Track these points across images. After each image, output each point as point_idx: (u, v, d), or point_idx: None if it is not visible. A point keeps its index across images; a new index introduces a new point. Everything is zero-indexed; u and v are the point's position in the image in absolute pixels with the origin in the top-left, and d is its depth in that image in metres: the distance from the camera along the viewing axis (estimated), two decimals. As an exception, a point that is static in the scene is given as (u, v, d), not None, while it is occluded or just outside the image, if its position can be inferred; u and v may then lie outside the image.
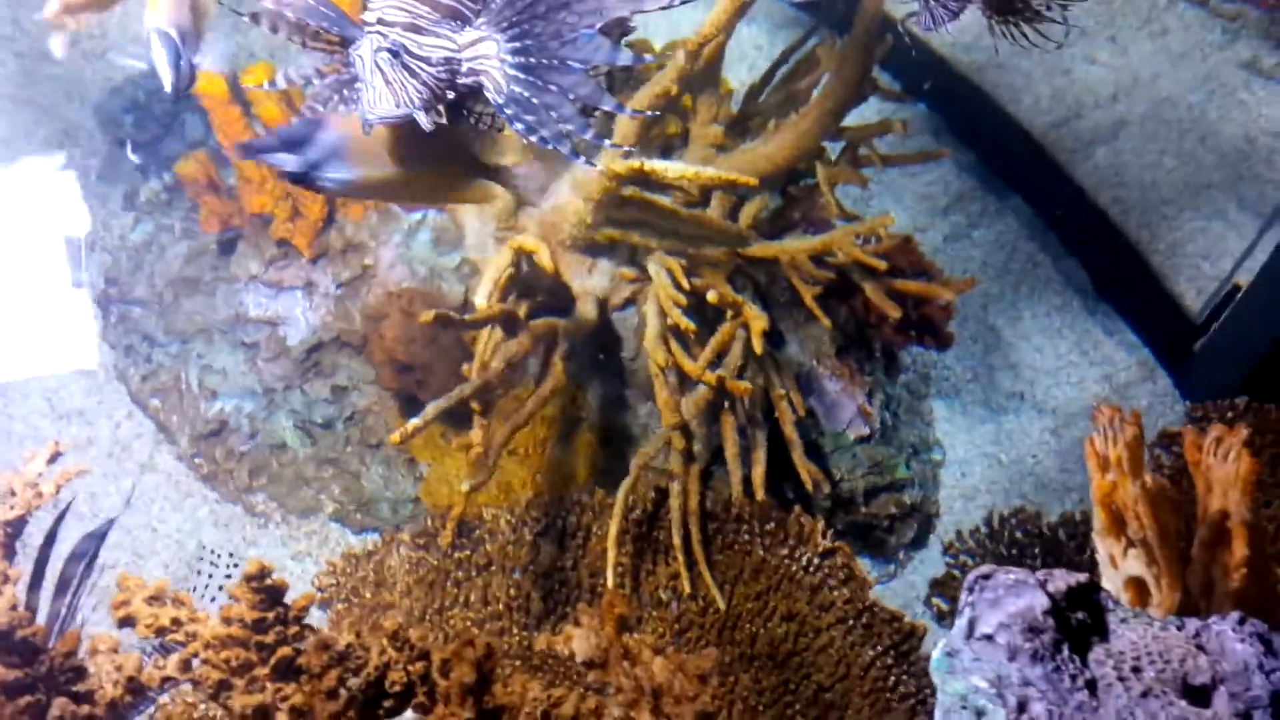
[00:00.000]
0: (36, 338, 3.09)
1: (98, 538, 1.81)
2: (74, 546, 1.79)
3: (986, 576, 1.34)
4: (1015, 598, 1.31)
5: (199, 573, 2.12)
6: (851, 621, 2.69)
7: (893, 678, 2.64)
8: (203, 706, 1.88)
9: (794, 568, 2.73)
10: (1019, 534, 2.72)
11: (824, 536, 2.74)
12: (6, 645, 1.48)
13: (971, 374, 3.07)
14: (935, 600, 2.84)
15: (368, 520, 3.25)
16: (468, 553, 2.89)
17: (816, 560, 2.73)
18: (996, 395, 3.02)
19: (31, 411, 3.02)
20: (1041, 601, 1.30)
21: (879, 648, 2.66)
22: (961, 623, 1.33)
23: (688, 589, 2.74)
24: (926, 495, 3.00)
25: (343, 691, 1.53)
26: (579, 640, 1.54)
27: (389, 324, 2.87)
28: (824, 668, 2.68)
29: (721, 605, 2.72)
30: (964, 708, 1.24)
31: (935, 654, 1.34)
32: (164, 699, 1.73)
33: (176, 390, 3.01)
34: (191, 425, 3.01)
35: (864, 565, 2.77)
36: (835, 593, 2.71)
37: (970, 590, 1.35)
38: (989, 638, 1.30)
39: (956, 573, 2.84)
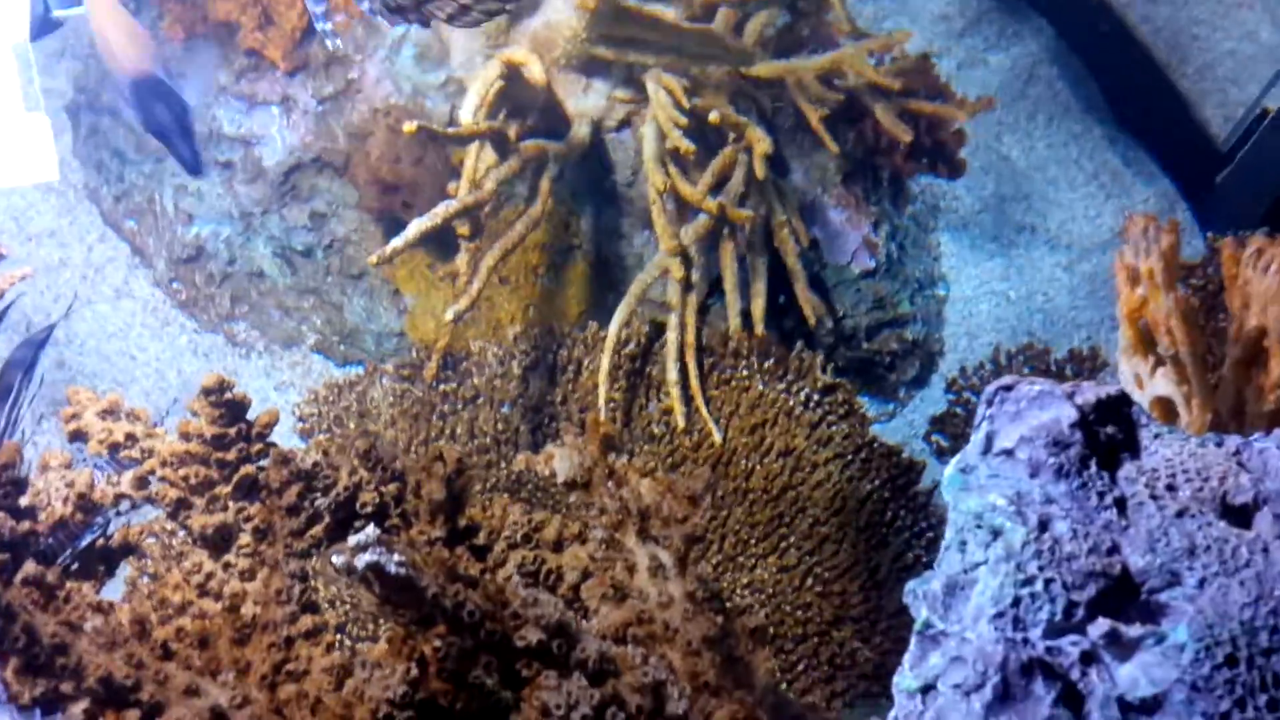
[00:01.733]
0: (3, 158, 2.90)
1: (36, 345, 1.66)
2: (10, 354, 1.64)
3: (1008, 387, 1.19)
4: (1039, 410, 1.16)
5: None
6: (850, 457, 2.57)
7: (889, 512, 2.53)
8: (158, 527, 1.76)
9: (792, 403, 2.60)
10: (1026, 370, 2.58)
11: (824, 372, 2.60)
12: (-63, 453, 1.34)
13: (981, 206, 2.89)
14: (935, 437, 2.72)
15: (351, 353, 3.11)
16: (454, 385, 2.76)
17: (816, 396, 2.59)
18: (1007, 228, 2.85)
19: None
20: (1068, 414, 1.15)
21: (876, 482, 2.55)
22: (978, 437, 1.19)
23: (682, 425, 2.61)
24: (930, 332, 2.85)
25: (305, 508, 1.39)
26: (561, 460, 1.40)
27: (374, 142, 2.68)
28: (820, 502, 2.57)
29: (717, 440, 2.60)
30: (979, 527, 1.10)
31: (948, 470, 1.20)
32: (119, 519, 1.61)
33: (151, 212, 2.84)
34: (168, 249, 2.84)
35: (864, 403, 2.63)
36: (834, 428, 2.58)
37: (989, 403, 1.21)
38: (1009, 453, 1.15)
39: (958, 410, 2.71)
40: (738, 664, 1.39)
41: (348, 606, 2.18)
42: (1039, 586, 1.06)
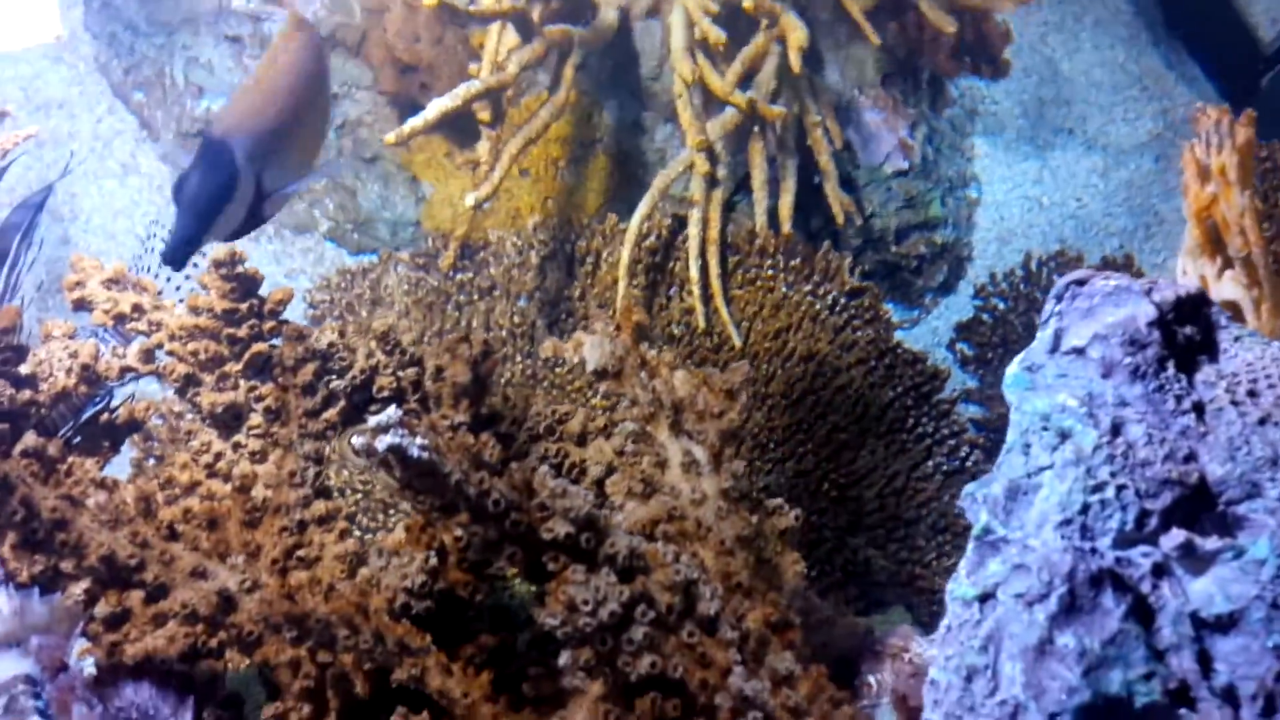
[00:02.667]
0: (7, 21, 2.76)
1: (34, 207, 1.56)
2: (7, 217, 1.54)
3: (1080, 282, 1.10)
4: (1114, 306, 1.07)
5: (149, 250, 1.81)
6: (873, 363, 2.48)
7: (911, 419, 2.45)
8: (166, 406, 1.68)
9: (818, 307, 2.50)
10: (1056, 278, 2.47)
11: (852, 274, 2.50)
12: (-69, 316, 1.25)
13: (1021, 109, 2.75)
14: (960, 346, 2.63)
15: (365, 241, 3.00)
16: (470, 275, 2.66)
17: (843, 300, 2.50)
18: (1044, 132, 2.72)
19: (5, 102, 2.72)
20: (1146, 311, 1.06)
21: (899, 389, 2.46)
22: (1045, 335, 1.10)
23: (702, 325, 2.51)
24: (960, 237, 2.74)
25: (320, 388, 1.31)
26: (591, 347, 1.31)
27: (391, 19, 2.54)
28: (840, 408, 2.49)
29: (737, 342, 2.50)
30: (1045, 429, 1.01)
31: (1011, 369, 1.11)
32: (123, 393, 1.52)
33: (160, 85, 2.71)
34: (177, 123, 2.72)
35: (889, 310, 2.54)
36: (859, 334, 2.49)
37: (1059, 298, 1.11)
38: (1079, 351, 1.06)
39: (985, 317, 2.61)
40: (767, 566, 1.31)
41: (359, 495, 2.11)
42: (1110, 493, 0.97)
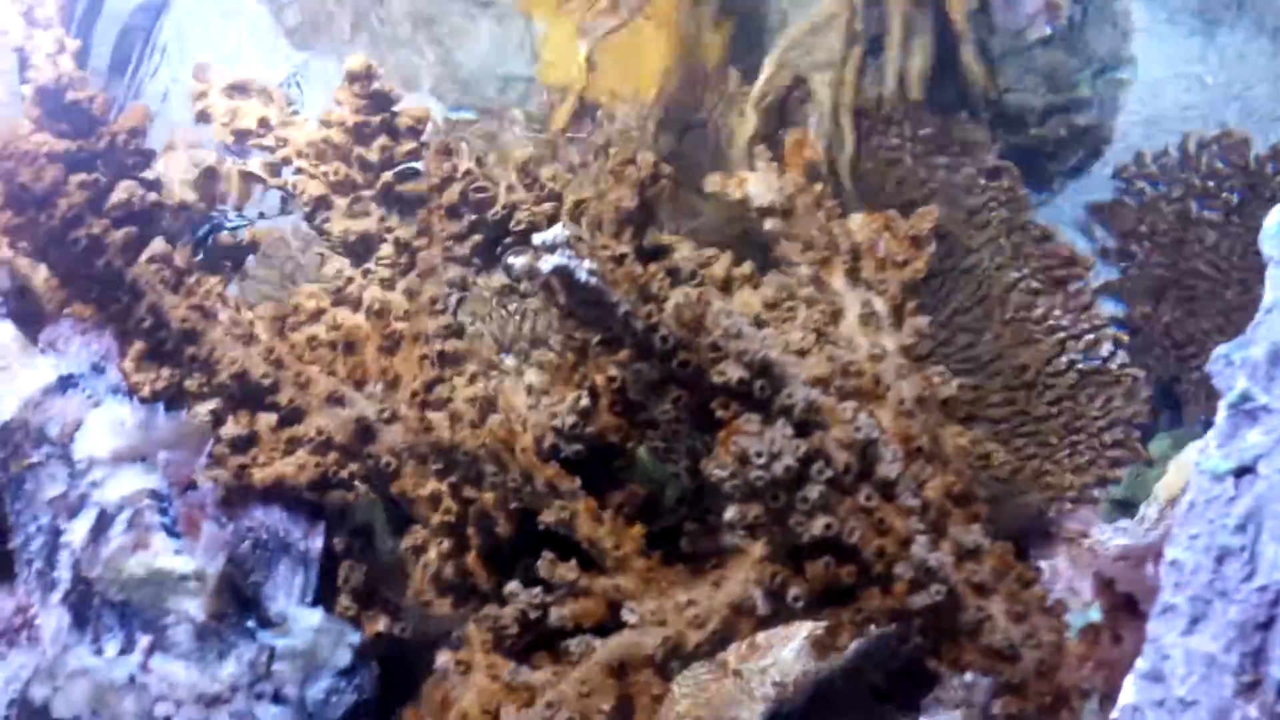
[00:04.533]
0: None
1: (156, 10, 1.43)
2: (128, 19, 1.41)
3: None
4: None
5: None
6: (1003, 243, 2.31)
7: (1040, 307, 2.28)
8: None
9: (951, 183, 2.33)
10: (1219, 163, 2.27)
11: (988, 152, 2.32)
12: (55, 108, 1.14)
13: (1185, -28, 2.52)
14: (1097, 232, 2.44)
15: (470, 99, 2.85)
16: (585, 135, 2.51)
17: (982, 181, 2.32)
18: (1213, 5, 2.48)
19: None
20: None
21: (1027, 272, 2.29)
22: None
23: (823, 196, 2.35)
24: (1104, 118, 2.53)
25: (465, 210, 1.19)
26: (757, 182, 1.17)
27: None
28: (964, 289, 2.32)
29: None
30: (1315, 286, 0.86)
31: (1270, 221, 0.96)
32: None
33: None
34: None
35: (1026, 192, 2.35)
36: (993, 214, 2.31)
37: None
38: (1357, 202, 0.90)
39: (1129, 201, 2.41)
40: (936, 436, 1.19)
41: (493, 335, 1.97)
42: (1394, 361, 0.83)
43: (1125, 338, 2.26)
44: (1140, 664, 0.84)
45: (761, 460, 0.99)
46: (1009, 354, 2.32)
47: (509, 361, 2.08)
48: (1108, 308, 2.35)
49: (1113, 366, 2.21)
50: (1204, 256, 2.38)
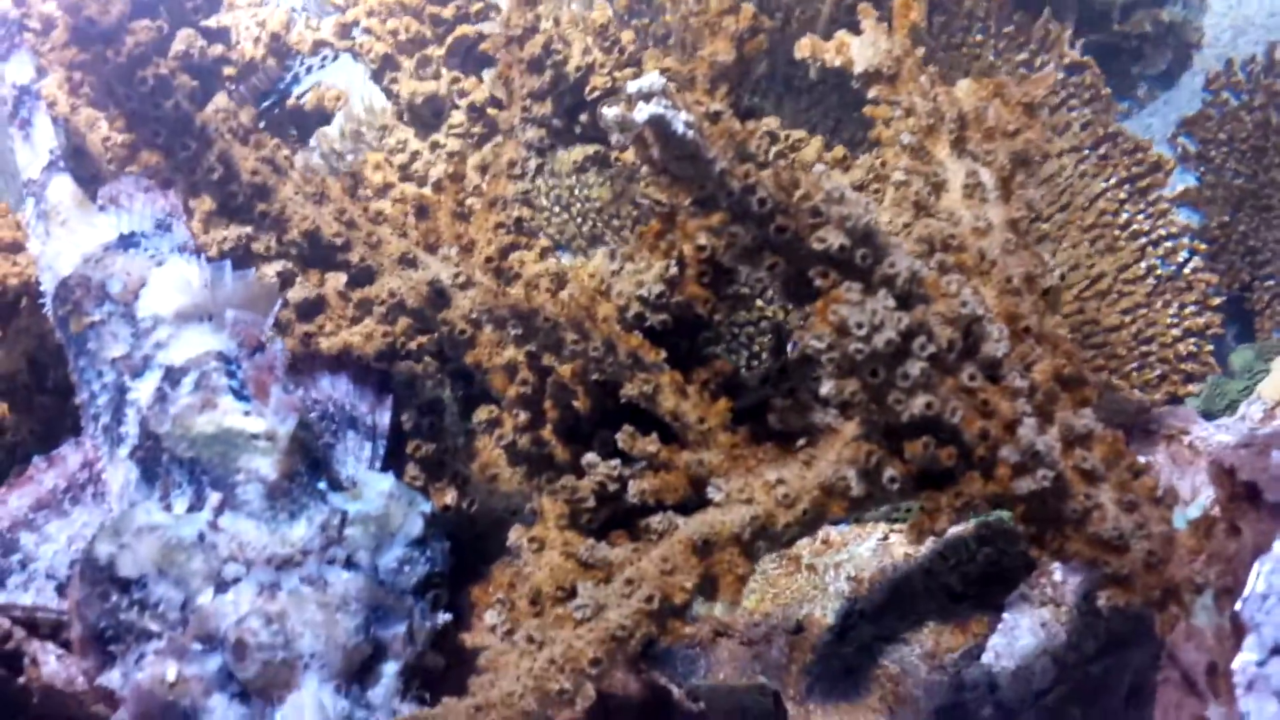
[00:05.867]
0: None
1: None
2: None
3: None
4: None
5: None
6: (1086, 150, 2.21)
7: (1124, 214, 2.18)
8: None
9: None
10: (1307, 71, 2.15)
11: (1072, 48, 2.20)
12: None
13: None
14: (1182, 140, 2.33)
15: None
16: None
17: (1061, 75, 2.20)
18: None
19: None
20: None
21: (1113, 180, 2.19)
22: None
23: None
24: (1190, 19, 2.40)
25: (548, 66, 1.11)
26: (861, 45, 1.09)
27: None
28: (1044, 195, 2.23)
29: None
30: None
31: None
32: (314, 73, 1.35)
33: None
34: None
35: (1109, 90, 2.23)
36: (1073, 113, 2.21)
37: None
38: None
39: (1214, 111, 2.30)
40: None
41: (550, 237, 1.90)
42: None
43: (1202, 246, 2.17)
44: (1278, 548, 0.78)
45: (862, 332, 0.92)
46: (1085, 263, 2.23)
47: (565, 260, 2.02)
48: (1183, 216, 2.26)
49: (1186, 272, 2.12)
50: (1284, 166, 2.28)
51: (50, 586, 1.05)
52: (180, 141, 0.98)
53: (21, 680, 1.04)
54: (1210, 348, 2.21)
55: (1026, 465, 0.95)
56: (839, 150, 1.28)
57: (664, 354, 1.01)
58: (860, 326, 0.92)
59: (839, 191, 0.96)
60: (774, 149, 1.28)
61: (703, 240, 1.04)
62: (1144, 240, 2.18)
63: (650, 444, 1.00)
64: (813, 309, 0.94)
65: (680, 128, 0.91)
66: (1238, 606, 0.84)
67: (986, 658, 1.17)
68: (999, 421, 0.96)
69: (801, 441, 1.03)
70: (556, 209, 1.91)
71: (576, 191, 1.86)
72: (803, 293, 0.99)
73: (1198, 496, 1.11)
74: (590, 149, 1.26)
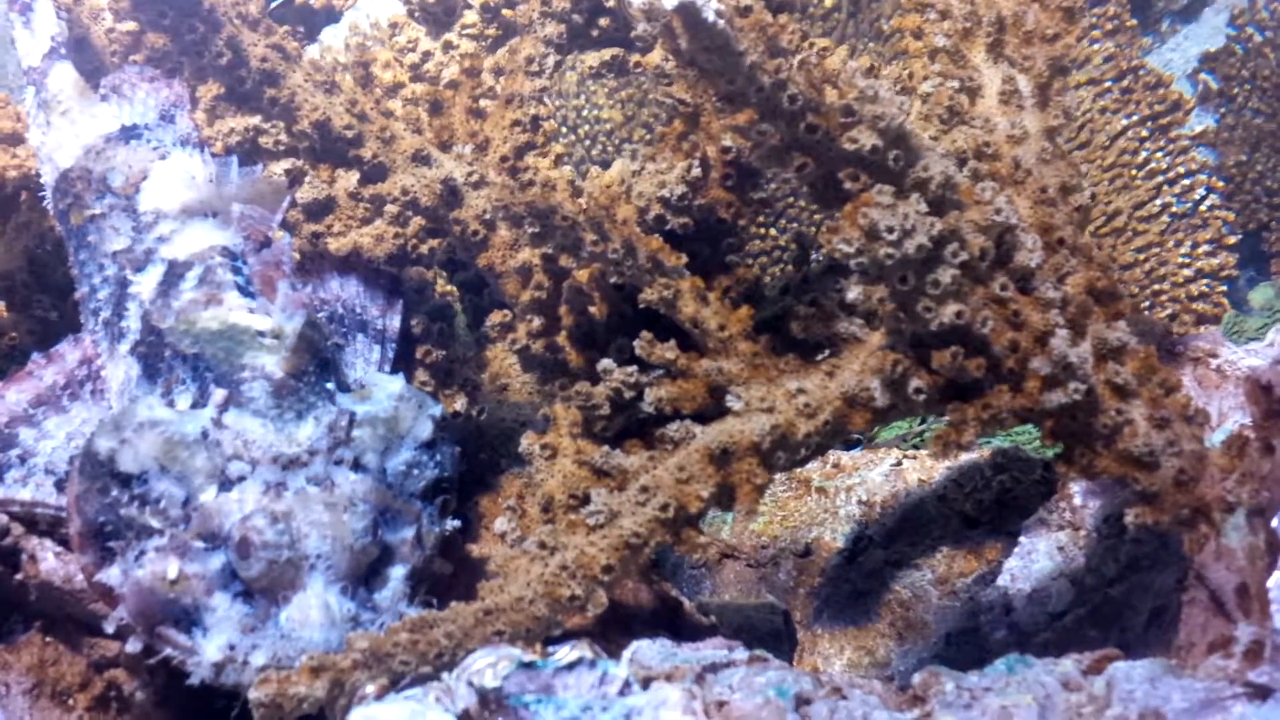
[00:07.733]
0: None
1: None
2: None
3: None
4: None
5: None
6: (1108, 84, 2.16)
7: (1143, 153, 2.14)
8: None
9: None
10: (1345, 7, 2.09)
11: (1093, -24, 2.14)
12: None
13: None
14: (1203, 76, 2.28)
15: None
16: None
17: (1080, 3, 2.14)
18: None
19: None
20: None
21: (1133, 117, 2.14)
22: None
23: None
24: (1218, -45, 2.34)
25: (569, -41, 1.06)
26: (894, -56, 1.03)
27: None
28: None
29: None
30: None
31: None
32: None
33: None
34: None
35: (1134, 21, 2.18)
36: (1095, 45, 2.15)
37: None
38: None
39: (1238, 48, 2.25)
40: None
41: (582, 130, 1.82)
42: None
43: (1220, 185, 2.13)
44: (1325, 463, 0.75)
45: (892, 236, 0.88)
46: (1101, 199, 2.19)
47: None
48: (1201, 155, 2.21)
49: (1202, 210, 2.09)
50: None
51: (49, 482, 1.02)
52: (187, 24, 0.94)
53: (19, 576, 1.01)
54: (1223, 288, 2.17)
55: (1057, 378, 0.91)
56: (865, 59, 1.23)
57: (684, 259, 0.97)
58: (891, 231, 0.88)
59: (873, 90, 0.91)
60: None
61: (728, 141, 1.00)
62: (1161, 179, 2.14)
63: (669, 350, 0.96)
64: (842, 213, 0.90)
65: (710, 16, 0.86)
66: (1275, 523, 0.81)
67: (1002, 580, 1.15)
68: (1030, 333, 0.93)
69: (825, 353, 1.00)
70: (564, 129, 1.86)
71: (585, 113, 1.81)
72: (831, 196, 0.96)
73: (1225, 421, 1.08)
74: (608, 53, 1.21)
